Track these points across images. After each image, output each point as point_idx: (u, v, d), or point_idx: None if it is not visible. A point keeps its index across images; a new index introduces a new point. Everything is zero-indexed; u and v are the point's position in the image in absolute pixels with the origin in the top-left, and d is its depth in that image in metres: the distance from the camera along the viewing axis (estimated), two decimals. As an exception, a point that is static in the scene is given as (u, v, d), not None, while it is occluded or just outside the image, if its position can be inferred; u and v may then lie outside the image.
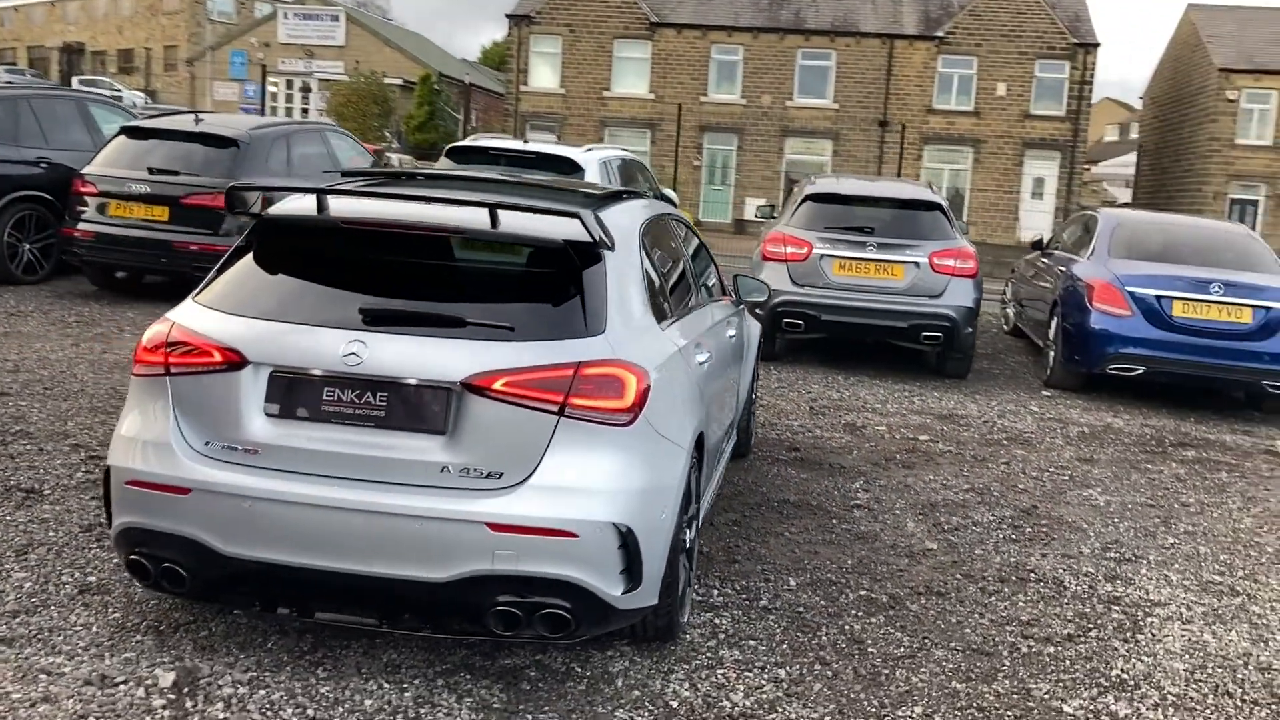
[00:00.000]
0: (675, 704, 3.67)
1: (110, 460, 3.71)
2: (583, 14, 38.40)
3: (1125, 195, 53.40)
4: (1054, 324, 10.36)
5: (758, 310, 8.03)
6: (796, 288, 9.72)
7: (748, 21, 37.98)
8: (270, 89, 51.61)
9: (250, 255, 3.93)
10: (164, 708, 3.38)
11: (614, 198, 4.57)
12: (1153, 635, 4.58)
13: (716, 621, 4.36)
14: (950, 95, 37.18)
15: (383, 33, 53.90)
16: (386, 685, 3.63)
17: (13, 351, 8.11)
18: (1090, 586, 5.10)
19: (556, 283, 3.76)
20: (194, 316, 3.74)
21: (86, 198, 10.56)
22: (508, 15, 39.49)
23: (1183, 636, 4.60)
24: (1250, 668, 4.34)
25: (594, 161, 10.69)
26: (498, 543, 3.41)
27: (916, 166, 36.69)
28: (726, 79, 38.13)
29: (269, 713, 3.41)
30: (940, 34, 36.84)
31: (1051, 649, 4.36)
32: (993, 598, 4.87)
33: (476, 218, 3.75)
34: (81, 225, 10.52)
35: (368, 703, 3.52)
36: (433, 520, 3.41)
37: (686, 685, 3.81)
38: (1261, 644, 4.59)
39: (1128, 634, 4.57)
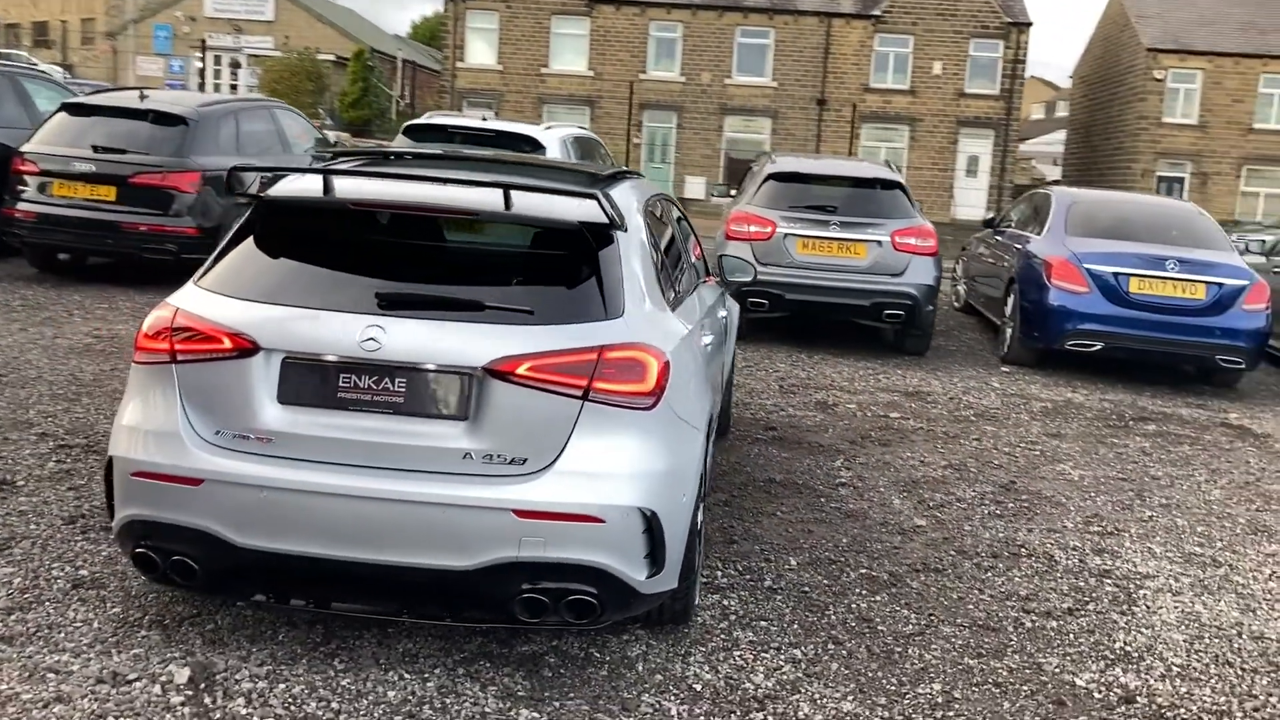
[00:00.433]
0: (699, 687, 3.66)
1: (113, 451, 3.58)
2: (520, -11, 38.05)
3: (1053, 173, 54.34)
4: (1011, 301, 10.51)
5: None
6: (761, 267, 9.71)
7: (686, -2, 37.94)
8: (196, 64, 50.38)
9: (254, 238, 3.81)
10: (183, 704, 3.29)
11: (616, 177, 4.52)
12: (1147, 607, 4.68)
13: (725, 603, 4.36)
14: (887, 74, 37.50)
15: (314, 8, 52.74)
16: (408, 675, 3.57)
17: (-38, 337, 7.83)
18: (1080, 560, 5.19)
19: (572, 265, 3.70)
20: (199, 302, 3.62)
21: (26, 177, 10.18)
22: (444, -10, 38.98)
23: (1176, 608, 4.70)
24: (1244, 637, 4.45)
25: (555, 139, 10.58)
26: (524, 529, 3.36)
27: (854, 145, 36.97)
28: (666, 56, 38.04)
29: (292, 707, 3.33)
30: (877, 13, 37.10)
31: (1054, 623, 4.43)
32: (989, 573, 4.93)
33: (489, 199, 3.67)
34: (22, 205, 10.14)
35: (391, 694, 3.45)
36: (458, 508, 3.35)
37: (706, 668, 3.80)
38: (1250, 614, 4.71)
39: (1123, 607, 4.66)
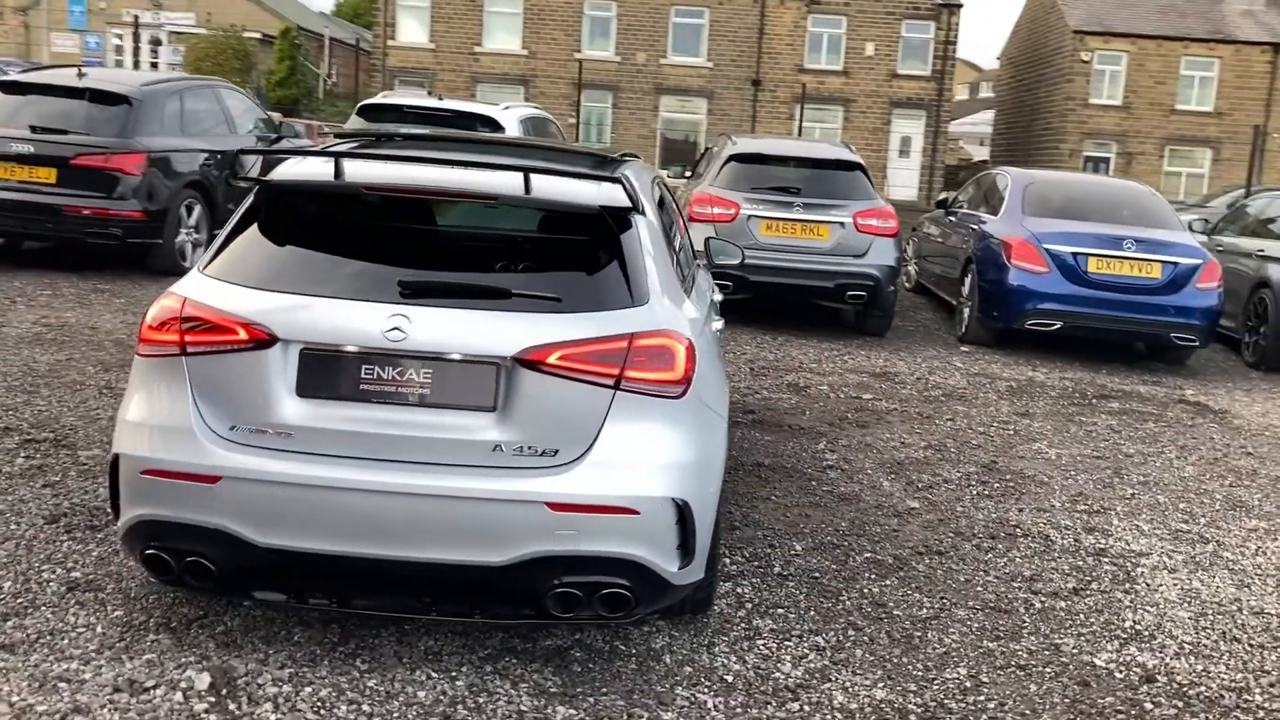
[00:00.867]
0: (730, 678, 3.62)
1: (119, 448, 3.41)
2: (451, -34, 37.45)
3: (980, 153, 55.13)
4: (969, 281, 10.61)
5: None
6: (727, 248, 9.67)
7: (620, -24, 37.66)
8: (115, 41, 48.81)
9: (260, 224, 3.65)
10: (208, 711, 3.15)
11: (622, 160, 4.42)
12: (1148, 585, 4.74)
13: (738, 590, 4.32)
14: (820, 55, 37.65)
15: (235, -17, 51.38)
16: (435, 674, 3.46)
17: (-96, 327, 7.48)
18: (1075, 539, 5.24)
19: (595, 250, 3.60)
20: (209, 291, 3.45)
21: (-42, 158, 9.77)
22: (373, -34, 38.22)
23: (1175, 585, 4.77)
24: (1245, 613, 4.53)
25: (514, 119, 10.44)
26: (558, 522, 3.27)
27: (788, 126, 37.09)
28: (600, 35, 37.76)
29: (322, 711, 3.22)
30: (810, -7, 37.20)
31: (1062, 603, 4.46)
32: (989, 555, 4.96)
33: (507, 182, 3.56)
34: (-46, 188, 9.73)
35: (421, 694, 3.35)
36: (490, 501, 3.25)
37: (734, 658, 3.75)
38: (1246, 589, 4.80)
39: (1125, 586, 4.71)
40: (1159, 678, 3.87)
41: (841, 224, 9.87)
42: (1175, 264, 9.60)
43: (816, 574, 4.55)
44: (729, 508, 5.25)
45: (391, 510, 3.26)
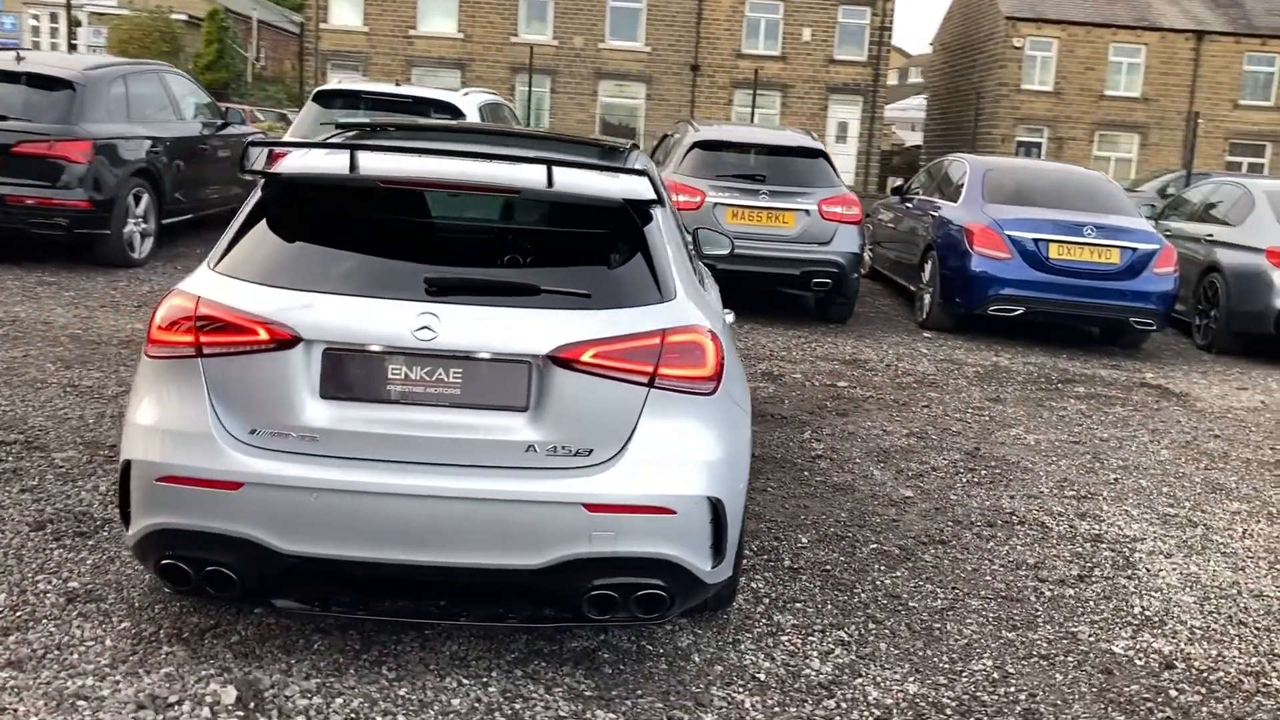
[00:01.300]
0: (761, 676, 3.58)
1: (130, 454, 3.26)
2: (384, -52, 36.81)
3: (913, 138, 55.80)
4: (929, 267, 10.69)
5: None
6: (692, 236, 9.62)
7: (556, -40, 37.33)
8: (31, 22, 47.29)
9: (270, 219, 3.51)
10: (239, 728, 3.04)
11: (631, 150, 4.34)
12: (1149, 570, 4.80)
13: (753, 585, 4.28)
14: (758, 40, 37.73)
15: (158, -38, 50.00)
16: (466, 681, 3.38)
17: None
18: (1070, 526, 5.29)
19: (619, 244, 3.53)
20: (223, 289, 3.31)
21: (-109, 147, 9.34)
22: (303, -53, 37.41)
23: (1174, 570, 4.83)
24: (1246, 596, 4.60)
25: (473, 105, 10.27)
26: (595, 524, 3.20)
27: (728, 111, 37.15)
28: (537, 19, 37.42)
29: (357, 723, 3.12)
30: (747, -22, 37.21)
31: (1070, 591, 4.50)
32: (991, 543, 4.98)
33: (528, 175, 3.46)
34: (-112, 178, 9.30)
35: (456, 702, 3.26)
36: (525, 503, 3.17)
37: (762, 655, 3.72)
38: (1241, 572, 4.88)
39: (1127, 572, 4.77)
40: (1177, 664, 3.91)
41: (807, 211, 9.88)
42: (1134, 249, 9.76)
43: (827, 566, 4.53)
44: (728, 500, 5.21)
45: (422, 514, 3.16)
